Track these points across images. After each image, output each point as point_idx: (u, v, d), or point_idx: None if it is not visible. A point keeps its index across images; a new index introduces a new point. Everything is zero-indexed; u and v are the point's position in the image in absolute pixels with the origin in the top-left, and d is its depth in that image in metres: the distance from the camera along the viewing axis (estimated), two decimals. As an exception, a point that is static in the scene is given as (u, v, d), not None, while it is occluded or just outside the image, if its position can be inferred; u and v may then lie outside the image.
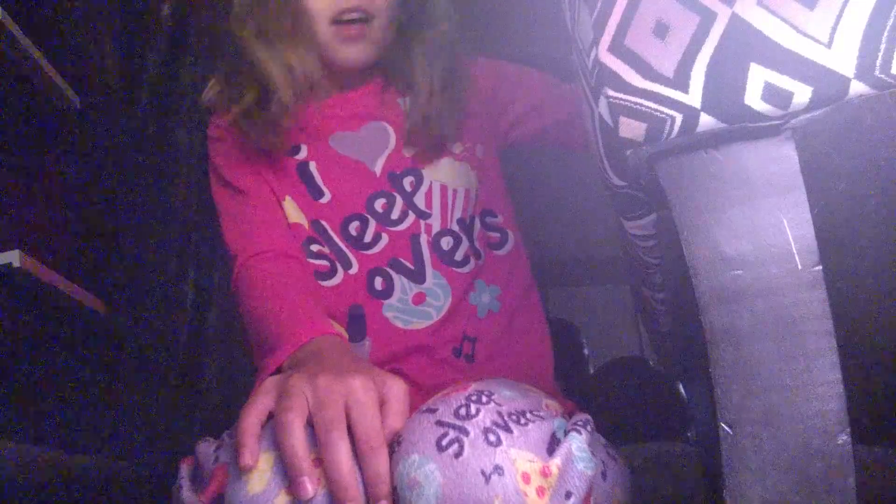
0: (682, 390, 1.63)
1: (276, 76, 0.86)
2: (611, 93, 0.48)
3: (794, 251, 0.46)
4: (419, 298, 0.87)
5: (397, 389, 0.62)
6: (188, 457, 0.68)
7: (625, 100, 0.47)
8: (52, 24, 1.04)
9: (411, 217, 0.90)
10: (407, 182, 0.90)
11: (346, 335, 0.85)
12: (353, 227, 0.89)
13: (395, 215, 0.90)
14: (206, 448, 0.65)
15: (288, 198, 0.91)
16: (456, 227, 0.90)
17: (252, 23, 0.87)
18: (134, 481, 1.01)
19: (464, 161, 0.93)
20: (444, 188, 0.91)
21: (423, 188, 0.90)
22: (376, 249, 0.89)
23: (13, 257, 0.79)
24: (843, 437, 0.45)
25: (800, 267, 0.46)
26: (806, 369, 0.46)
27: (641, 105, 0.47)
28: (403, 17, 0.91)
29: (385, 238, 0.89)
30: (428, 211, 0.90)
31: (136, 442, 1.00)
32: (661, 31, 0.46)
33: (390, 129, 0.92)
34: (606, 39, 0.48)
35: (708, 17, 0.45)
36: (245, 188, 0.92)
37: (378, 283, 0.88)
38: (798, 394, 0.46)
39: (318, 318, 0.80)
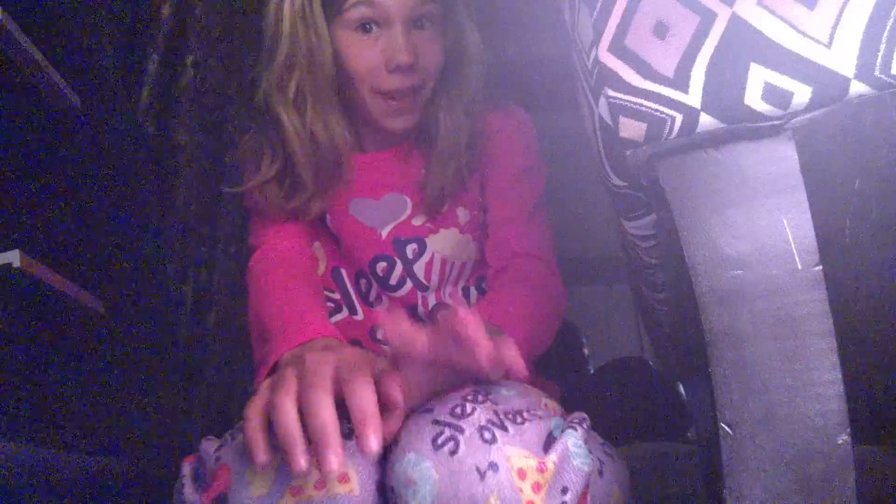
0: (682, 390, 1.63)
1: (299, 154, 0.88)
2: (611, 93, 0.48)
3: (794, 251, 0.46)
4: None
5: (390, 371, 0.60)
6: (190, 455, 0.67)
7: (625, 100, 0.47)
8: (52, 24, 1.04)
9: (409, 285, 0.93)
10: (410, 249, 0.93)
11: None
12: (363, 283, 0.94)
13: (393, 280, 0.93)
14: (208, 447, 0.65)
15: (317, 243, 0.95)
16: (450, 301, 0.93)
17: (290, 88, 0.87)
18: (134, 481, 1.01)
19: (467, 233, 0.94)
20: (444, 261, 0.93)
21: (425, 258, 0.92)
22: (379, 308, 0.94)
23: (13, 257, 0.79)
24: (843, 437, 0.45)
25: (800, 267, 0.46)
26: (806, 369, 0.46)
27: (641, 105, 0.47)
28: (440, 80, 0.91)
29: (386, 302, 0.93)
30: (426, 283, 0.93)
31: (136, 442, 1.00)
32: (661, 31, 0.46)
33: (408, 201, 0.94)
34: (606, 39, 0.48)
35: (708, 17, 0.45)
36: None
37: (380, 333, 0.92)
38: (798, 394, 0.46)
39: (320, 321, 0.81)
